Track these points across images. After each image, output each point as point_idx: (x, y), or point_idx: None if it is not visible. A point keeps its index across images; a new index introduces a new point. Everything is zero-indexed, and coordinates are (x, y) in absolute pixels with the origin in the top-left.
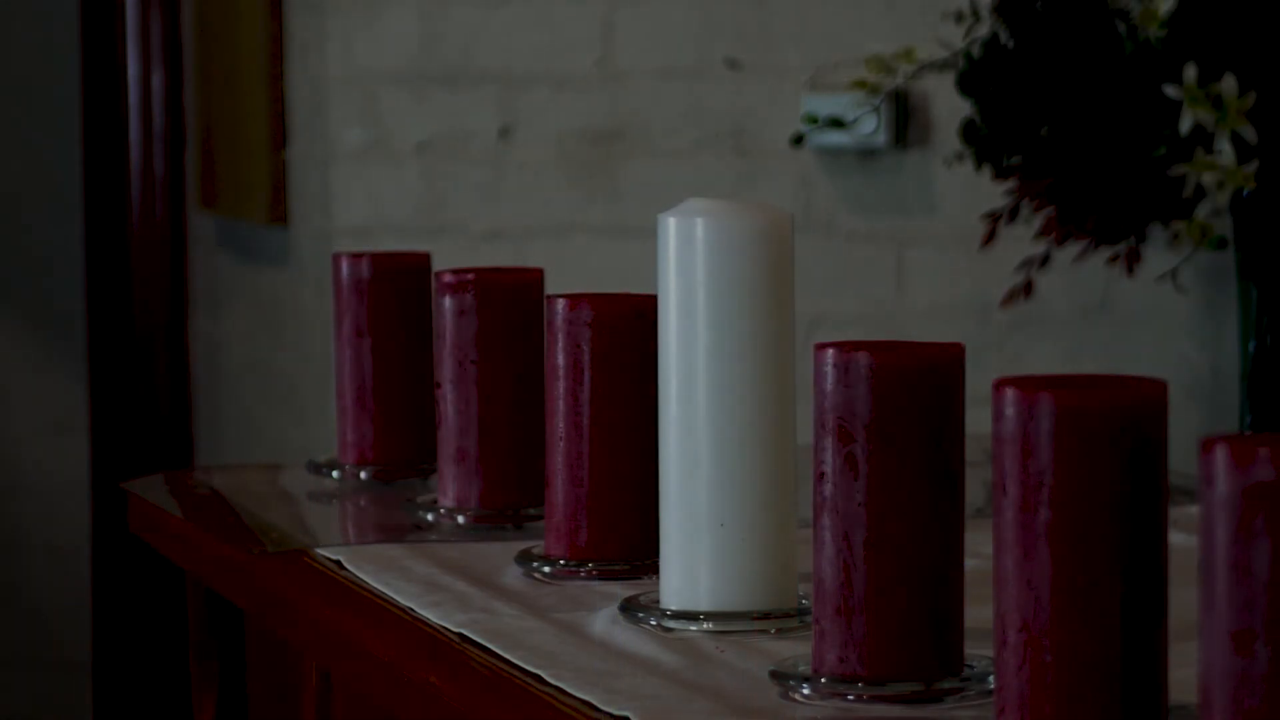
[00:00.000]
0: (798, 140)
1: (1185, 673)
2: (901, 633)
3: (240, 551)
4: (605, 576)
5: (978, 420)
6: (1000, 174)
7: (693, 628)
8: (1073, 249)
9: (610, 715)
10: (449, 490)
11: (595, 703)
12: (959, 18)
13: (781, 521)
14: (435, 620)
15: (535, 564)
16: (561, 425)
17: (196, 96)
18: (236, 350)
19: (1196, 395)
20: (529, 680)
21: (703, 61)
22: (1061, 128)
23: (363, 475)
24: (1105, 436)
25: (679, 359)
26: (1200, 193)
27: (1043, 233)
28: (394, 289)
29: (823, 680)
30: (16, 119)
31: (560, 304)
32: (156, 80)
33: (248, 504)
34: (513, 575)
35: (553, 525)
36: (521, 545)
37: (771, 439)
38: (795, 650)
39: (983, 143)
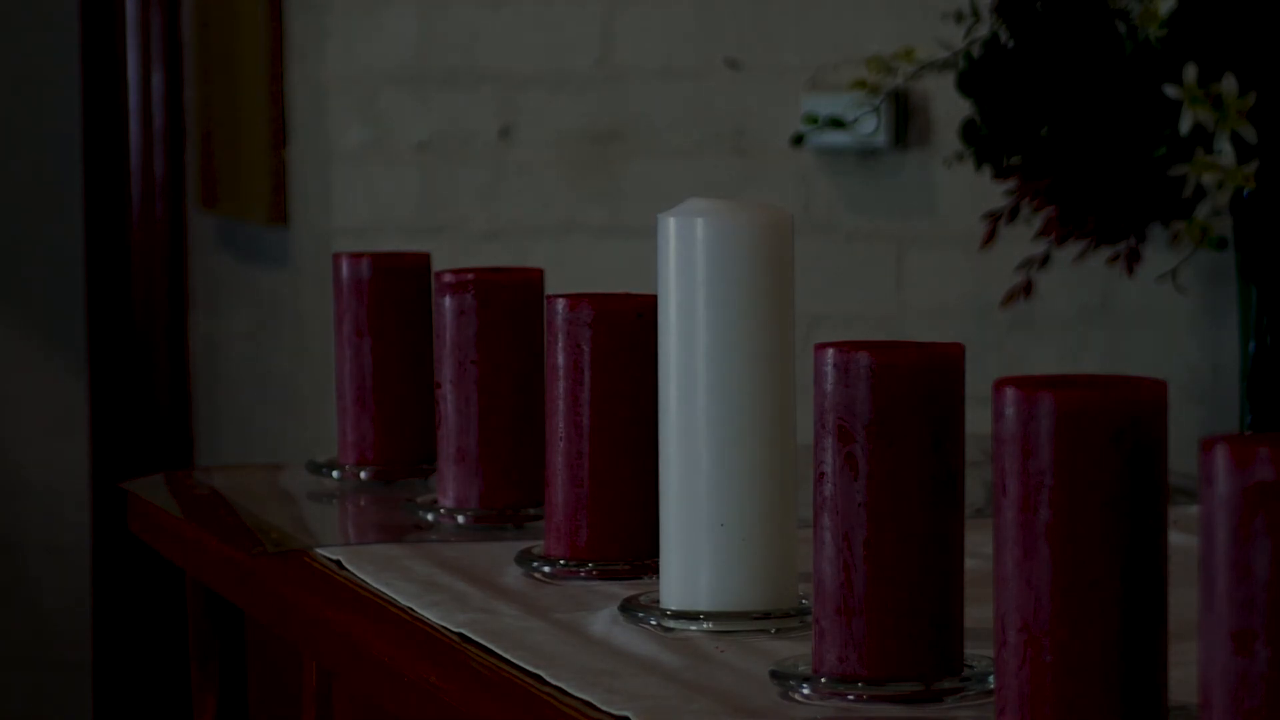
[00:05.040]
0: (798, 140)
1: (1185, 673)
2: (901, 633)
3: (240, 551)
4: (605, 576)
5: (978, 420)
6: (1000, 174)
7: (693, 628)
8: (1073, 249)
9: (610, 715)
10: (449, 490)
11: (595, 703)
12: (959, 18)
13: (781, 521)
14: (435, 620)
15: (535, 564)
16: (561, 425)
17: (196, 96)
18: (236, 350)
19: (1196, 395)
20: (529, 680)
21: (703, 61)
22: (1061, 128)
23: (363, 475)
24: (1105, 436)
25: (679, 359)
26: (1200, 193)
27: (1043, 233)
28: (394, 289)
29: (823, 680)
30: (16, 119)
31: (560, 304)
32: (156, 80)
33: (248, 504)
34: (513, 575)
35: (553, 525)
36: (521, 545)
37: (771, 439)
38: (795, 650)
39: (983, 143)
